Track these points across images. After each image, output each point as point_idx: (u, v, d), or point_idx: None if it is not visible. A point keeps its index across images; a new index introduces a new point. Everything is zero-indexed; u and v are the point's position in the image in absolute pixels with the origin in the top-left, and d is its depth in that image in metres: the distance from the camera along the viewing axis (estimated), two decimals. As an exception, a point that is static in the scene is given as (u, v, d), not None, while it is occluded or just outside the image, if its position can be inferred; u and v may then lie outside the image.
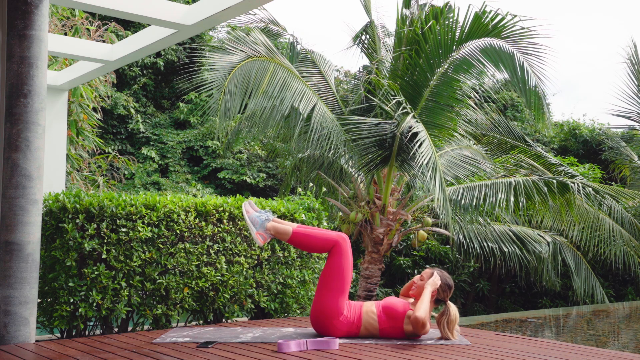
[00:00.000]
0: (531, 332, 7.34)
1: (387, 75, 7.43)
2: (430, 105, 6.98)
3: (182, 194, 5.51)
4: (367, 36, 8.04)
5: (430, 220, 7.53)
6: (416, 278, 4.08)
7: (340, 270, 3.87)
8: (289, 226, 4.02)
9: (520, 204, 7.51)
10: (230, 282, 4.73)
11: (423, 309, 3.77)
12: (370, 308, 3.92)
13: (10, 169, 3.78)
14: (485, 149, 9.66)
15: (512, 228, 9.61)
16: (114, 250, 4.23)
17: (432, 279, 3.92)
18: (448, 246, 10.75)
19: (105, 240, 4.22)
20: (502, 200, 7.42)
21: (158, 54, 16.17)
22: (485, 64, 6.78)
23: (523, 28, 6.36)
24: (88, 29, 8.95)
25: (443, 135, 7.23)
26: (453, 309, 3.94)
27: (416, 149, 6.11)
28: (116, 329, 4.48)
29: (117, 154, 12.03)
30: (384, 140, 6.67)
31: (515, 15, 6.31)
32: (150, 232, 4.35)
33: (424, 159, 5.99)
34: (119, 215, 4.28)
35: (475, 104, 7.91)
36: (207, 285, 4.63)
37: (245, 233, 4.88)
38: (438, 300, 3.96)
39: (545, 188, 7.53)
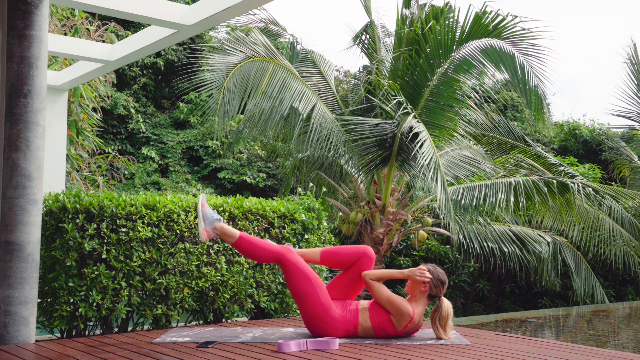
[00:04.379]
0: (531, 332, 7.34)
1: (387, 75, 7.44)
2: (430, 105, 6.98)
3: (182, 194, 5.51)
4: (367, 36, 8.05)
5: (430, 220, 7.53)
6: (407, 271, 4.08)
7: (301, 275, 3.91)
8: (237, 231, 4.05)
9: (520, 204, 7.51)
10: (230, 282, 4.74)
11: (373, 271, 3.96)
12: (364, 305, 3.98)
13: (10, 169, 3.78)
14: (485, 149, 9.67)
15: (512, 228, 9.61)
16: (114, 250, 4.23)
17: (416, 270, 3.90)
18: (448, 246, 10.75)
19: (105, 240, 4.22)
20: (502, 200, 7.43)
21: (158, 54, 16.16)
22: (486, 65, 6.79)
23: (524, 29, 6.36)
24: (88, 29, 8.94)
25: (443, 135, 7.24)
26: (445, 304, 3.94)
27: (417, 150, 6.11)
28: (116, 329, 4.48)
29: (117, 154, 12.02)
30: (384, 140, 6.67)
31: (516, 16, 6.32)
32: (150, 232, 4.35)
33: (426, 160, 5.99)
34: (119, 215, 4.28)
35: (476, 104, 7.92)
36: (207, 285, 4.63)
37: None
38: (432, 296, 3.96)
39: (545, 188, 7.53)
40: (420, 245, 10.44)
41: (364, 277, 3.96)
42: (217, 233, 4.04)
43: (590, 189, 7.95)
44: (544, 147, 15.74)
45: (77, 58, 6.62)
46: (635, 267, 10.66)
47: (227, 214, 4.78)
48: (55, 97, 7.48)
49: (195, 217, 4.63)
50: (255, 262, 4.94)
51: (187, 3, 14.09)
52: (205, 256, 4.65)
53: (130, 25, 14.88)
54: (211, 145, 15.26)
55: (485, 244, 9.13)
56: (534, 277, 10.75)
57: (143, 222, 4.36)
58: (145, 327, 4.66)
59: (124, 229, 4.25)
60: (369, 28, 8.05)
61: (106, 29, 9.18)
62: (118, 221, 4.26)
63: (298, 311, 5.17)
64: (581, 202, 9.15)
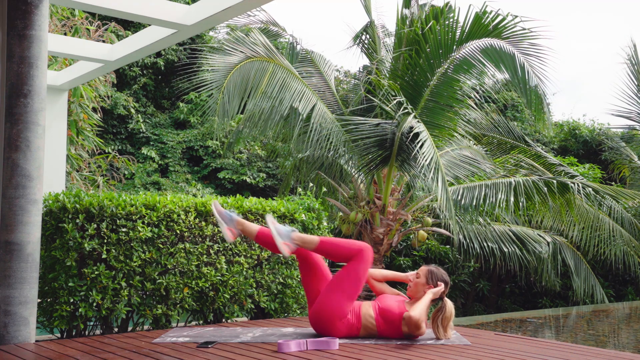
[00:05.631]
0: (531, 332, 7.34)
1: (387, 75, 7.44)
2: (430, 105, 6.98)
3: (182, 194, 5.51)
4: (367, 36, 8.05)
5: (430, 220, 7.53)
6: (411, 275, 4.07)
7: (360, 276, 3.90)
8: (315, 236, 4.02)
9: (520, 204, 7.51)
10: (230, 282, 4.74)
11: (419, 309, 3.78)
12: (368, 311, 3.91)
13: (10, 169, 3.78)
14: (485, 149, 9.66)
15: (512, 228, 9.61)
16: (114, 250, 4.23)
17: (437, 289, 3.89)
18: (448, 246, 10.75)
19: (105, 240, 4.22)
20: (502, 200, 7.43)
21: (158, 54, 16.17)
22: (486, 64, 6.78)
23: (524, 29, 6.36)
24: (88, 29, 8.95)
25: (443, 135, 7.24)
26: (449, 305, 3.93)
27: (417, 150, 6.10)
28: (116, 329, 4.48)
29: (117, 154, 12.02)
30: (384, 140, 6.67)
31: (516, 16, 6.32)
32: (150, 232, 4.35)
33: (426, 160, 5.99)
34: (119, 215, 4.28)
35: (476, 104, 7.92)
36: (207, 285, 4.63)
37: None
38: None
39: (545, 188, 7.53)
40: (420, 245, 10.44)
41: (409, 317, 3.74)
42: (297, 243, 3.96)
43: (590, 189, 7.95)
44: (544, 147, 15.74)
45: (77, 58, 6.62)
46: (635, 267, 10.65)
47: (227, 214, 4.78)
48: (55, 97, 7.47)
49: (195, 217, 4.64)
50: (256, 262, 4.94)
51: (187, 3, 14.09)
52: (205, 256, 4.65)
53: (130, 25, 14.87)
54: (211, 145, 15.26)
55: (485, 244, 9.13)
56: (534, 277, 10.75)
57: (143, 222, 4.36)
58: (145, 327, 4.66)
59: (124, 229, 4.25)
60: (369, 28, 8.05)
61: (106, 29, 9.18)
62: (118, 221, 4.26)
63: (298, 311, 5.17)
64: (581, 202, 9.15)
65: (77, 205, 4.16)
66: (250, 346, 3.63)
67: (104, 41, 8.78)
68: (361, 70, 8.21)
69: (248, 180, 14.75)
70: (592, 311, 9.50)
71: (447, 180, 7.39)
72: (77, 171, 9.14)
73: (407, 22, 7.40)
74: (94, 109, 9.21)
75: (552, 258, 10.21)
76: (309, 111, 6.71)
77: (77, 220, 4.14)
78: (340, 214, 7.52)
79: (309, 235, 4.04)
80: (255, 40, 6.68)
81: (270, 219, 4.01)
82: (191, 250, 4.57)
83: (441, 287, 3.91)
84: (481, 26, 6.38)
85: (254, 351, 3.47)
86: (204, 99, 14.93)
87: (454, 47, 6.63)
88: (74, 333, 4.26)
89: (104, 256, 4.18)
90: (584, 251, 10.61)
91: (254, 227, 4.11)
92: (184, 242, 4.57)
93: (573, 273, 10.25)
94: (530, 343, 4.00)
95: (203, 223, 4.66)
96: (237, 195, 5.33)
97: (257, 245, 4.87)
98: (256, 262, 4.96)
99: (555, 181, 7.63)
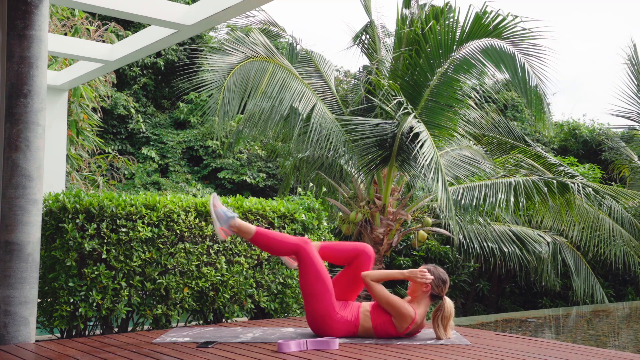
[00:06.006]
0: (531, 332, 7.34)
1: (387, 75, 7.44)
2: (430, 105, 6.98)
3: (182, 194, 5.51)
4: (367, 36, 8.05)
5: (430, 220, 7.53)
6: (407, 272, 4.07)
7: (315, 272, 3.91)
8: (252, 226, 4.05)
9: (520, 204, 7.51)
10: (230, 282, 4.74)
11: (374, 271, 3.98)
12: (366, 307, 3.98)
13: (10, 169, 3.78)
14: (485, 149, 9.67)
15: (512, 228, 9.61)
16: (114, 250, 4.23)
17: (417, 271, 3.90)
18: (448, 246, 10.75)
19: (105, 240, 4.22)
20: (502, 200, 7.43)
21: (158, 54, 16.17)
22: (486, 64, 6.78)
23: (524, 29, 6.36)
24: (88, 29, 8.94)
25: (443, 135, 7.24)
26: (448, 303, 3.93)
27: (418, 150, 6.10)
28: (116, 329, 4.48)
29: (117, 154, 12.02)
30: (384, 140, 6.67)
31: (517, 16, 6.32)
32: (150, 232, 4.35)
33: (426, 160, 5.99)
34: (119, 215, 4.28)
35: (476, 104, 7.92)
36: (207, 285, 4.63)
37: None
38: (434, 296, 3.96)
39: (545, 188, 7.53)
40: (420, 245, 10.44)
41: (363, 277, 3.94)
42: (234, 231, 4.02)
43: (590, 189, 7.95)
44: (544, 147, 15.74)
45: (77, 58, 6.62)
46: (635, 267, 10.65)
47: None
48: (55, 97, 7.47)
49: (196, 217, 4.64)
50: (256, 262, 4.94)
51: (187, 3, 14.09)
52: (205, 256, 4.65)
53: (130, 25, 14.87)
54: (211, 145, 15.26)
55: (485, 244, 9.13)
56: (534, 277, 10.75)
57: (143, 222, 4.36)
58: (145, 327, 4.66)
59: (124, 229, 4.25)
60: (369, 28, 8.05)
61: (106, 29, 9.18)
62: (118, 221, 4.26)
63: (298, 311, 5.17)
64: (581, 202, 9.15)
65: (77, 205, 4.16)
66: (250, 346, 3.63)
67: (104, 41, 8.77)
68: (361, 70, 8.21)
69: (248, 180, 14.75)
70: (592, 311, 9.50)
71: (447, 180, 7.39)
72: (77, 171, 9.14)
73: (407, 22, 7.40)
74: (94, 109, 9.21)
75: (552, 258, 10.21)
76: (309, 111, 6.71)
77: (77, 220, 4.14)
78: (340, 214, 7.51)
79: (247, 224, 4.03)
80: (255, 41, 6.68)
81: (214, 200, 4.01)
82: (191, 250, 4.57)
83: (424, 273, 3.89)
84: (481, 26, 6.38)
85: (254, 351, 3.47)
86: (204, 99, 14.94)
87: (454, 47, 6.63)
88: (74, 333, 4.26)
89: (104, 256, 4.18)
90: (584, 251, 10.61)
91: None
92: (184, 242, 4.57)
93: (573, 273, 10.25)
94: (530, 343, 4.00)
95: (203, 223, 4.66)
96: (237, 195, 5.33)
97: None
98: (256, 262, 4.96)
99: (555, 181, 7.63)
